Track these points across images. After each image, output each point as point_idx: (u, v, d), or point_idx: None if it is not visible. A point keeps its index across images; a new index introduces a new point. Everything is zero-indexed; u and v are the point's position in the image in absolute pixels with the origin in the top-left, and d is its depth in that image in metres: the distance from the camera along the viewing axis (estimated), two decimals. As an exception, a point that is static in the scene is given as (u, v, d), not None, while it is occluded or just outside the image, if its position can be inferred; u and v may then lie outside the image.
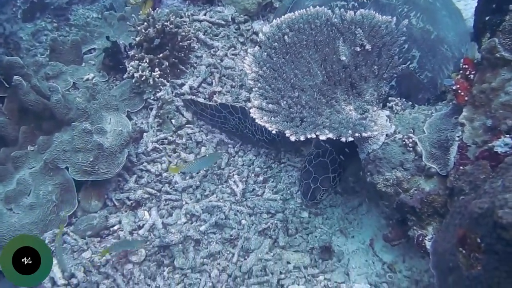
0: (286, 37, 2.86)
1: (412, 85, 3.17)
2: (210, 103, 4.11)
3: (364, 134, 2.53)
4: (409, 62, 3.14)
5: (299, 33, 2.89)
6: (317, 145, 3.40)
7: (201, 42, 4.69)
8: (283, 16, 2.92)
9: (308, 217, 3.65)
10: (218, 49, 4.63)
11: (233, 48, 4.69)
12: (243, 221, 3.64)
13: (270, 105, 2.61)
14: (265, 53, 2.83)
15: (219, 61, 4.53)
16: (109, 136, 3.72)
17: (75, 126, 3.63)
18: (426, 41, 3.20)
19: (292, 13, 2.93)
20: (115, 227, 3.69)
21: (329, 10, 2.96)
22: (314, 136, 2.49)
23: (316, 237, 3.51)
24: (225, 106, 3.98)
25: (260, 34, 2.85)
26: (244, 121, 3.89)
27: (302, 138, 2.47)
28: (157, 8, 4.52)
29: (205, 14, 4.89)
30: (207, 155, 3.90)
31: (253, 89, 2.68)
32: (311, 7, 2.91)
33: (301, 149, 4.02)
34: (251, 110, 2.59)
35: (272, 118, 2.55)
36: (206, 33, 4.74)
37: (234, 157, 4.12)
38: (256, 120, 2.54)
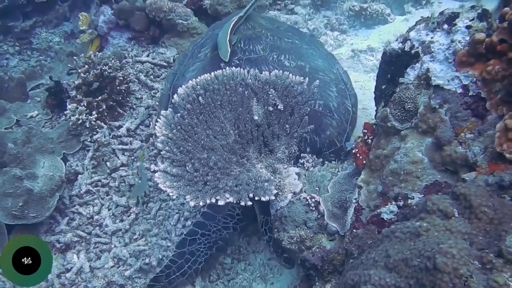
0: (200, 98, 2.98)
1: (313, 117, 3.25)
2: (170, 259, 3.51)
3: (262, 198, 2.66)
4: None
5: (214, 93, 3.02)
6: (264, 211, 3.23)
7: (142, 83, 4.82)
8: (198, 78, 3.05)
9: (231, 262, 3.76)
10: (158, 91, 4.75)
11: (172, 90, 4.81)
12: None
13: (174, 170, 2.72)
14: (178, 114, 2.95)
15: (158, 103, 4.64)
16: (40, 181, 3.81)
17: (5, 172, 3.71)
18: (305, 75, 3.26)
19: (207, 74, 3.06)
20: (44, 270, 3.75)
21: (245, 71, 3.11)
22: (213, 201, 2.60)
23: (237, 283, 3.63)
24: (182, 243, 3.46)
25: (175, 96, 2.97)
26: (211, 227, 3.44)
27: (201, 203, 2.58)
28: (98, 53, 4.64)
29: (147, 56, 5.03)
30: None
31: (162, 152, 2.79)
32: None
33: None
34: (156, 175, 2.70)
35: (175, 183, 2.66)
36: (147, 75, 4.87)
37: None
38: (159, 185, 2.65)
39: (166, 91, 3.87)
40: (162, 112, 2.94)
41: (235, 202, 2.65)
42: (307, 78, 3.16)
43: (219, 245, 3.51)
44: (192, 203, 2.59)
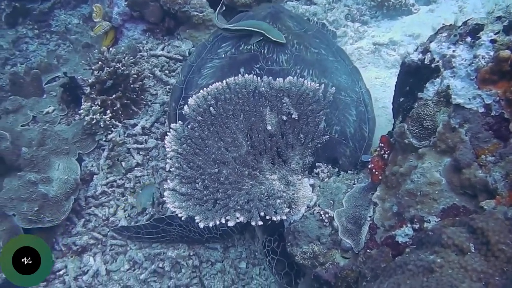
0: (211, 108, 2.90)
1: (327, 144, 3.10)
2: (144, 223, 3.89)
3: (274, 218, 2.59)
4: None
5: (226, 103, 2.93)
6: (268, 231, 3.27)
7: (157, 78, 4.75)
8: (210, 87, 2.96)
9: (245, 267, 3.73)
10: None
11: (188, 85, 4.73)
12: (183, 270, 3.74)
13: (183, 188, 2.65)
14: (189, 127, 2.87)
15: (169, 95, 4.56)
16: (55, 185, 3.80)
17: (20, 176, 3.71)
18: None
19: (219, 83, 2.97)
20: (61, 272, 3.78)
21: (258, 78, 3.01)
22: (223, 221, 2.54)
23: (251, 288, 3.62)
24: (160, 220, 3.78)
25: (186, 107, 2.89)
26: (187, 226, 3.68)
27: (211, 224, 2.51)
28: (111, 48, 4.57)
29: (162, 49, 4.94)
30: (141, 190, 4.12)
31: (171, 169, 2.72)
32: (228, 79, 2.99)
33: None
34: (165, 193, 2.63)
35: (183, 203, 2.59)
36: (162, 69, 4.79)
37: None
38: (168, 205, 2.59)
39: (180, 83, 3.74)
40: (172, 125, 2.87)
41: (245, 221, 2.58)
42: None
43: (188, 241, 3.83)
44: (201, 225, 2.52)
